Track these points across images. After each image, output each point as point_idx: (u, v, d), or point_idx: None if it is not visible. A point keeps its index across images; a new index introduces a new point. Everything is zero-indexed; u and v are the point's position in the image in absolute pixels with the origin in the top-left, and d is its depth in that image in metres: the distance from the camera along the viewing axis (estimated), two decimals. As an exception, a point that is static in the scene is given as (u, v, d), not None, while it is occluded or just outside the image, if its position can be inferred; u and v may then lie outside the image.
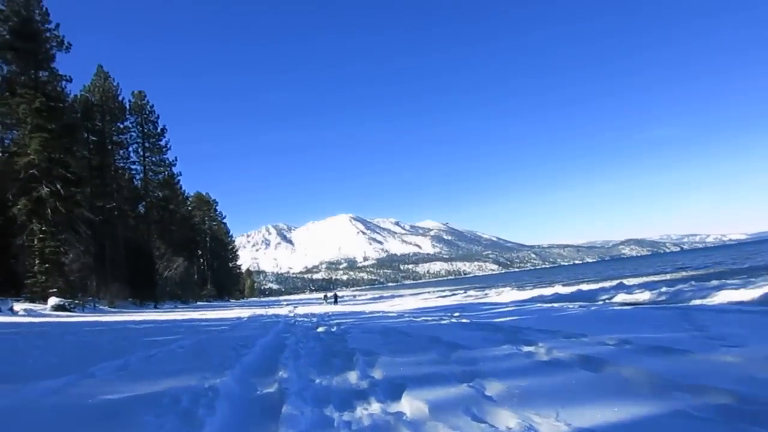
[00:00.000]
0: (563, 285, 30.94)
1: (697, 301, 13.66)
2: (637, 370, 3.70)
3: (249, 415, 3.42)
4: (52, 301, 23.68)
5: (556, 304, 15.61)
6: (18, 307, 21.60)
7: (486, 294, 32.50)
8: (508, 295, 27.83)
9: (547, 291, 25.94)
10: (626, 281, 25.71)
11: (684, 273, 32.33)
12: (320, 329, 9.90)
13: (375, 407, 3.31)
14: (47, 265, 27.33)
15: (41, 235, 27.85)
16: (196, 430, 2.90)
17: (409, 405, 3.25)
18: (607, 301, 17.42)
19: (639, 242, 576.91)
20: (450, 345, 5.73)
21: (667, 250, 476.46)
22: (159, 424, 2.92)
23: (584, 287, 25.80)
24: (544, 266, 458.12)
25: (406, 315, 14.57)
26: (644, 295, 17.08)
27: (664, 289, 17.40)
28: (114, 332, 10.80)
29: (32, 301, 25.57)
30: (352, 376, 4.36)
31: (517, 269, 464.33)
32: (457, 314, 14.09)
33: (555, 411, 2.92)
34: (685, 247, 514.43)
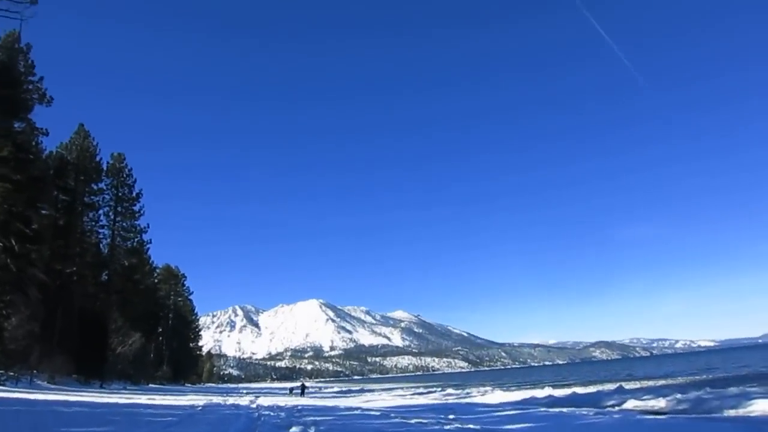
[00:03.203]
0: (551, 387, 28.68)
1: (732, 412, 11.89)
2: None
3: None
4: (-21, 371, 20.61)
5: (564, 409, 13.62)
6: (-62, 376, 18.59)
7: (468, 393, 30.11)
8: (494, 395, 25.58)
9: (538, 393, 23.80)
10: (624, 385, 23.73)
11: (674, 380, 30.41)
12: (293, 429, 7.77)
13: None
14: (-16, 330, 24.33)
15: (-17, 295, 25.05)
16: None
17: None
18: (617, 407, 15.41)
19: (609, 344, 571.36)
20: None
21: (637, 355, 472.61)
22: None
23: (578, 390, 23.81)
24: (514, 366, 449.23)
25: (393, 414, 12.40)
26: (660, 403, 15.21)
27: (679, 396, 15.60)
28: (32, 415, 8.48)
29: (-42, 369, 22.40)
30: None
31: (486, 368, 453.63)
32: (452, 416, 12.04)
33: None
34: (655, 352, 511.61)
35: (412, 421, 10.00)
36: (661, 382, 28.27)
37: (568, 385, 30.16)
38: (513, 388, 33.24)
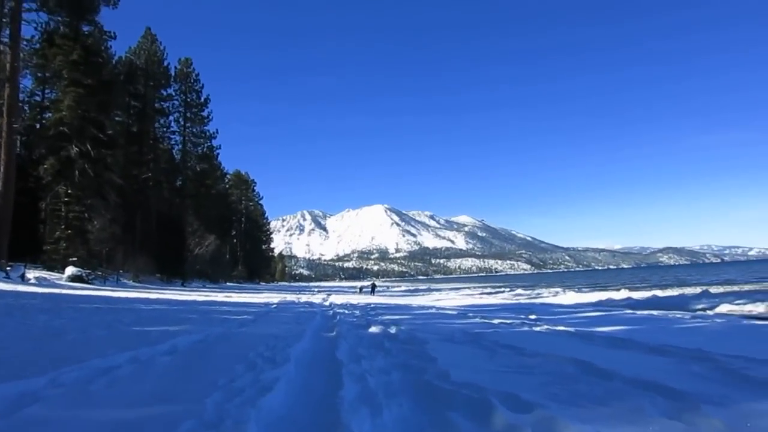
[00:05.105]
0: (627, 289, 27.63)
1: None
2: None
3: None
4: (69, 270, 21.78)
5: (654, 312, 12.67)
6: (31, 274, 19.77)
7: (538, 294, 29.59)
8: (567, 296, 24.88)
9: (614, 295, 22.84)
10: (710, 289, 22.40)
11: (762, 285, 28.51)
12: (373, 329, 7.30)
13: None
14: (70, 232, 25.56)
15: (66, 199, 26.12)
16: None
17: None
18: (711, 312, 14.30)
19: (678, 251, 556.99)
20: (652, 388, 3.05)
21: (707, 261, 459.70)
22: None
23: (658, 293, 22.68)
24: (578, 269, 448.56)
25: (470, 314, 11.89)
26: (758, 308, 14.00)
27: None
28: (110, 313, 8.46)
29: (51, 269, 23.82)
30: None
31: (550, 270, 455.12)
32: (533, 317, 11.45)
33: None
34: (726, 258, 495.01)
35: (495, 321, 9.45)
36: (747, 287, 26.53)
37: (645, 288, 28.99)
38: (585, 289, 32.40)
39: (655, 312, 12.58)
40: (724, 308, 14.62)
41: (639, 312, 12.84)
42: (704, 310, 14.88)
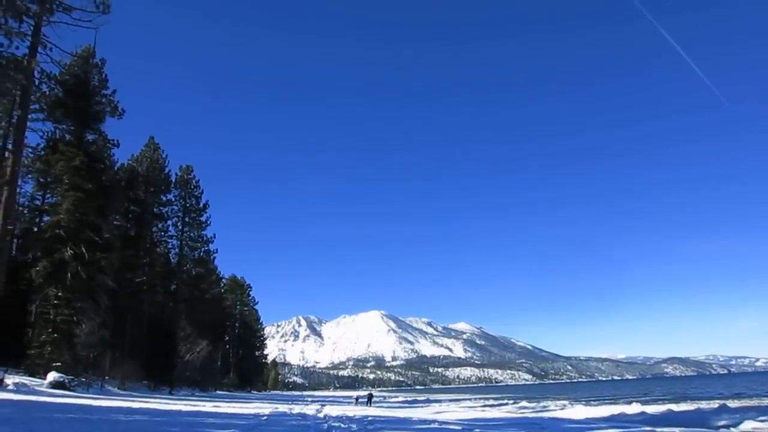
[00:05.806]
0: (639, 403, 26.29)
1: None
2: None
3: None
4: (51, 376, 20.72)
5: (676, 430, 11.76)
6: (11, 380, 18.70)
7: (544, 407, 28.12)
8: (575, 410, 23.56)
9: (627, 409, 21.66)
10: (729, 403, 21.29)
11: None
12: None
13: None
14: (56, 335, 24.62)
15: (56, 302, 25.43)
16: None
17: None
18: (735, 429, 13.35)
19: (683, 361, 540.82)
20: None
21: (714, 372, 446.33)
22: None
23: (673, 407, 21.51)
24: (581, 379, 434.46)
25: (476, 429, 11.03)
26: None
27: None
28: (84, 425, 7.75)
29: (33, 374, 22.69)
30: None
31: (552, 381, 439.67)
32: (546, 434, 10.60)
33: None
34: (733, 369, 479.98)
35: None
36: (766, 401, 25.28)
37: (657, 401, 27.61)
38: (593, 402, 30.93)
39: (676, 429, 11.68)
40: (748, 425, 13.68)
41: (659, 429, 11.93)
42: (727, 427, 13.92)
